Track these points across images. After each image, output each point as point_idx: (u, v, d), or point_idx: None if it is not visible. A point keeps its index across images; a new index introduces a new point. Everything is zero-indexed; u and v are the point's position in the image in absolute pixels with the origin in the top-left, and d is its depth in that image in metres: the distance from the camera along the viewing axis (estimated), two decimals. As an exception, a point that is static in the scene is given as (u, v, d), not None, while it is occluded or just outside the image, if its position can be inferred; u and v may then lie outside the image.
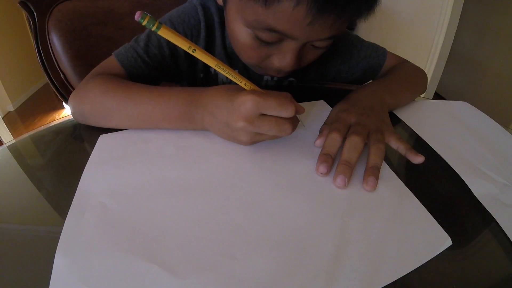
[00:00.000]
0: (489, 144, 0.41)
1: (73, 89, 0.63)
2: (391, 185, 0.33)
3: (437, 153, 0.39)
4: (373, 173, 0.33)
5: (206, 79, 0.57)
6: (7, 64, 2.37)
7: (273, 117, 0.33)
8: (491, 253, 0.28)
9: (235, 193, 0.32)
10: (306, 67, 0.47)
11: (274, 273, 0.24)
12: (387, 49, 0.60)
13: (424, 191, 0.33)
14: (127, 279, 0.23)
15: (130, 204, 0.30)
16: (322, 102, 0.50)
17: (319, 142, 0.38)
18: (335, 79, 0.63)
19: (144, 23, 0.29)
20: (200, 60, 0.33)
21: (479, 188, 0.33)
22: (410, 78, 0.54)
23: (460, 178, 0.35)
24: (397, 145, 0.37)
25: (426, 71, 0.57)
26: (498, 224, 0.30)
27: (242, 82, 0.35)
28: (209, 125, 0.38)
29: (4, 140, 1.69)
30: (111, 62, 0.47)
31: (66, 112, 2.35)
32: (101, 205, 0.30)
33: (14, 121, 2.30)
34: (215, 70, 0.56)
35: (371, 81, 0.58)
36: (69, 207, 0.29)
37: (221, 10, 0.52)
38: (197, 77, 0.57)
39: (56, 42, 0.66)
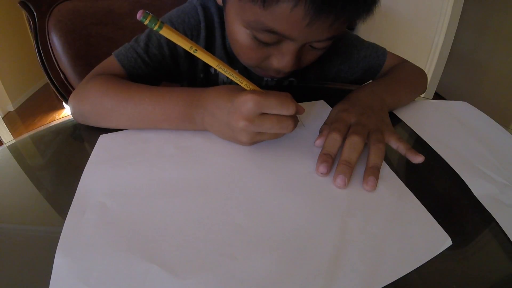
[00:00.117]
0: (489, 144, 0.41)
1: (73, 89, 0.63)
2: (391, 185, 0.33)
3: (437, 153, 0.39)
4: (373, 173, 0.33)
5: (206, 79, 0.57)
6: (7, 64, 2.37)
7: (274, 115, 0.33)
8: (491, 253, 0.28)
9: (235, 193, 0.32)
10: (306, 67, 0.47)
11: (274, 273, 0.24)
12: (387, 49, 0.60)
13: (424, 191, 0.33)
14: (127, 279, 0.23)
15: (130, 204, 0.30)
16: (322, 102, 0.50)
17: (319, 142, 0.38)
18: (335, 79, 0.63)
19: (146, 22, 0.29)
20: (200, 60, 0.33)
21: (479, 188, 0.33)
22: (410, 78, 0.54)
23: (460, 178, 0.35)
24: (397, 145, 0.37)
25: (426, 71, 0.57)
26: (498, 224, 0.30)
27: (243, 83, 0.35)
28: (209, 125, 0.38)
29: (4, 140, 1.68)
30: (111, 62, 0.47)
31: (66, 112, 2.35)
32: (101, 205, 0.30)
33: (14, 121, 2.30)
34: (215, 70, 0.56)
35: (371, 81, 0.58)
36: (69, 207, 0.29)
37: (221, 10, 0.52)
38: (197, 77, 0.57)
39: (56, 42, 0.66)
